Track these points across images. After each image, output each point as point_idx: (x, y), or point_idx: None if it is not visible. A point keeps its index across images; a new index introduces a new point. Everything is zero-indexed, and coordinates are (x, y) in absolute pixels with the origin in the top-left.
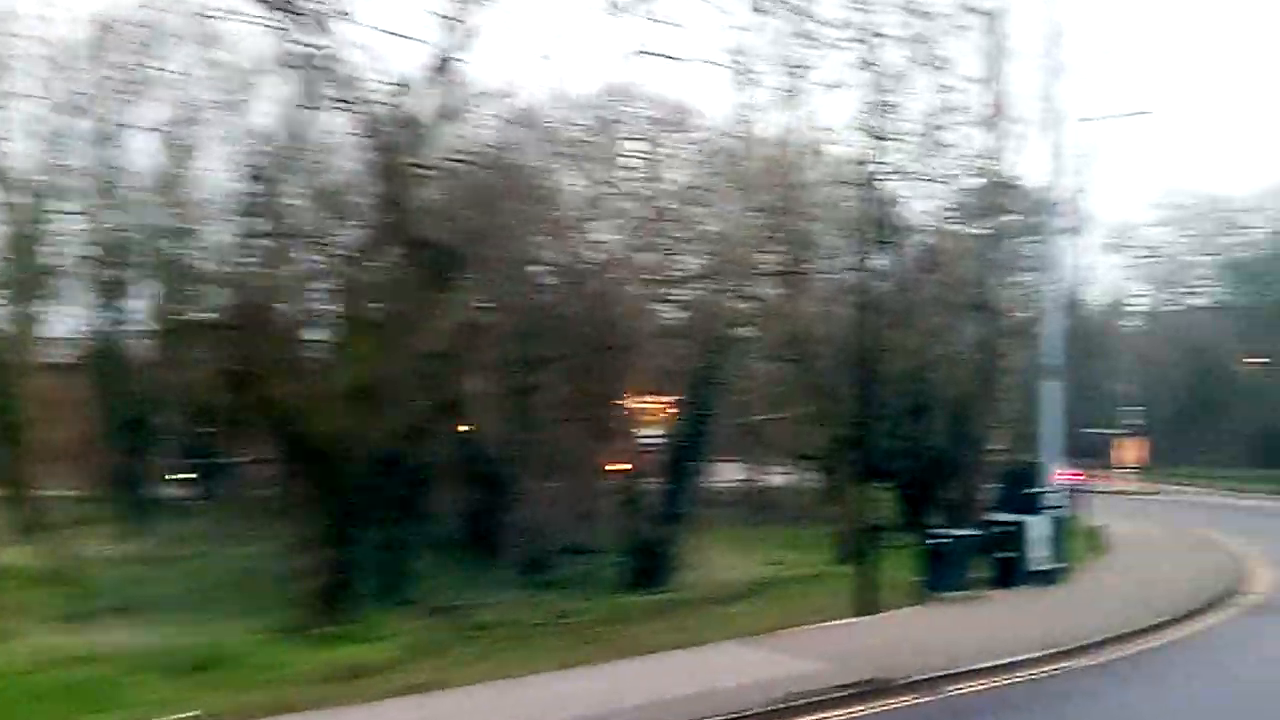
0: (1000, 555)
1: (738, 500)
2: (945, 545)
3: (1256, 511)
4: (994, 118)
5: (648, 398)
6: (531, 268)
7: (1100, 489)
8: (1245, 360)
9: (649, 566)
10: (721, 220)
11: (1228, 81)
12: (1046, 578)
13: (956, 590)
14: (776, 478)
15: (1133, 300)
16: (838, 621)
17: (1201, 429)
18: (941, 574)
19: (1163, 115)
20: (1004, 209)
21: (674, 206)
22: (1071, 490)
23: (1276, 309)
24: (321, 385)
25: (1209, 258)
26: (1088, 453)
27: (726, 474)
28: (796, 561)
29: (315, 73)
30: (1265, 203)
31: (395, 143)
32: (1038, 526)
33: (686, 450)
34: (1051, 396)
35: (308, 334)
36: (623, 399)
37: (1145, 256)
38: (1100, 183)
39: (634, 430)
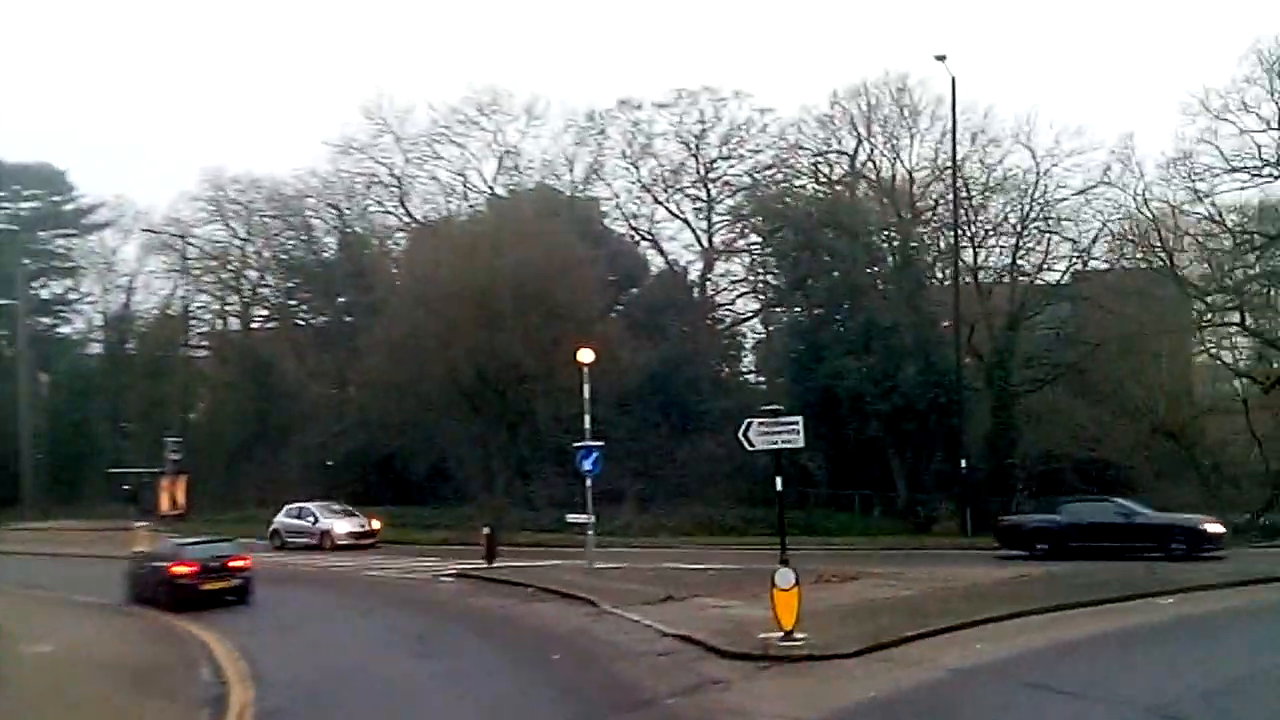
0: None
1: None
2: None
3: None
4: None
5: None
6: None
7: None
8: (310, 379)
9: None
10: None
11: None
12: None
13: None
14: None
15: (195, 312)
16: None
17: (266, 460)
18: None
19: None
20: None
21: None
22: None
23: (340, 318)
24: None
25: (271, 258)
26: (127, 499)
27: None
28: None
29: None
30: (314, 186)
31: None
32: None
33: None
34: None
35: None
36: None
37: (200, 259)
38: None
39: None
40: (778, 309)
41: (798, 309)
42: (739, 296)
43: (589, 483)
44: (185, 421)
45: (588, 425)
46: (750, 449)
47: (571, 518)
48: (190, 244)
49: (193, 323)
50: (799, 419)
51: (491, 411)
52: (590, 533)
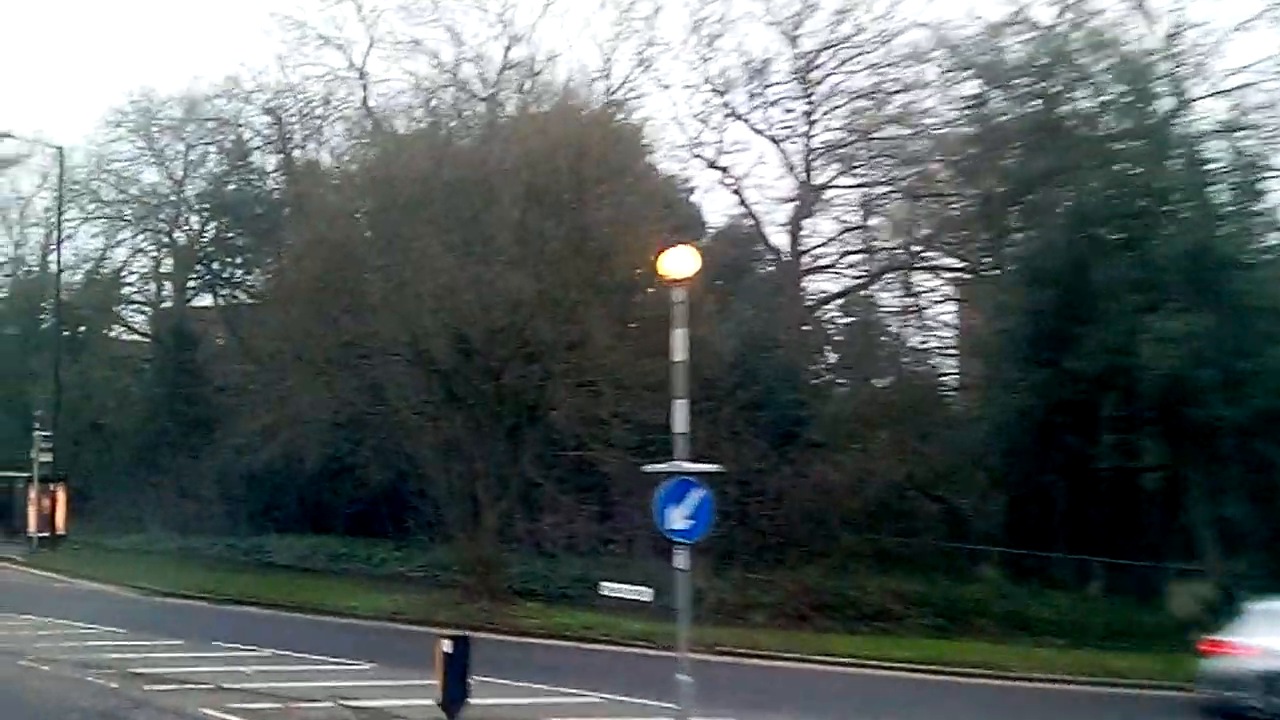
0: None
1: None
2: None
3: None
4: None
5: None
6: None
7: None
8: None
9: None
10: None
11: None
12: None
13: None
14: None
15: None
16: None
17: (179, 468)
18: None
19: None
20: None
21: None
22: None
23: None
24: None
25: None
26: None
27: None
28: None
29: None
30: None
31: None
32: None
33: None
34: None
35: None
36: None
37: (121, 204)
38: None
39: None
40: (1001, 235)
41: (1033, 232)
42: (844, 256)
43: (684, 560)
44: (59, 409)
45: (682, 426)
46: None
47: (610, 589)
48: (109, 184)
49: (124, 289)
50: None
51: (480, 404)
52: (684, 679)
